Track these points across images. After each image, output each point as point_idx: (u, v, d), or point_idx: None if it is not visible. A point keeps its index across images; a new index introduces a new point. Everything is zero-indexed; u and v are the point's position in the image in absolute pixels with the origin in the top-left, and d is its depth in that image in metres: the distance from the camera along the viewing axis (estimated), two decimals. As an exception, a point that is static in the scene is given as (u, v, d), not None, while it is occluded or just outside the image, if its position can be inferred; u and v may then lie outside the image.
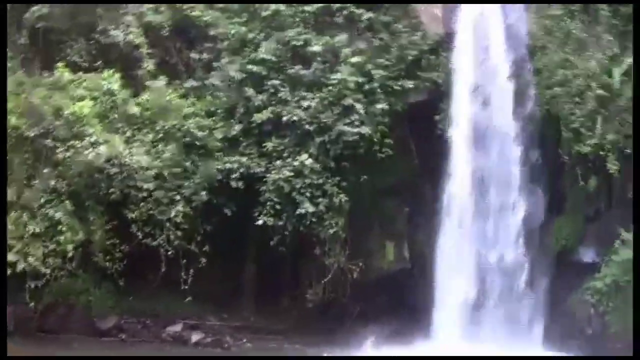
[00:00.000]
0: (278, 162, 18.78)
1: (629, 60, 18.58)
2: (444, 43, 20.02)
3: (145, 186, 18.39)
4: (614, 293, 17.80)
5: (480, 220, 19.44)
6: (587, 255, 19.34)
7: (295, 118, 18.79)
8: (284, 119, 18.89)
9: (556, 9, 19.66)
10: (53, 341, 17.75)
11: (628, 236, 17.87)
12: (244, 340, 19.09)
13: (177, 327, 19.29)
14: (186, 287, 18.77)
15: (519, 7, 20.12)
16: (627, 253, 17.74)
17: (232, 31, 19.74)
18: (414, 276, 20.04)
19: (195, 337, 18.97)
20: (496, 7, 20.04)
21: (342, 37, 19.36)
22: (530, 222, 19.48)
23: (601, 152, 18.50)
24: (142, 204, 18.42)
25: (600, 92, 18.65)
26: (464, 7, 20.07)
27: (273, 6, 19.55)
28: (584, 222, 19.50)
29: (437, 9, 20.11)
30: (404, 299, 19.78)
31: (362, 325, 19.16)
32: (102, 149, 17.97)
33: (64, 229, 17.59)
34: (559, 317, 18.84)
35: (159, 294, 19.31)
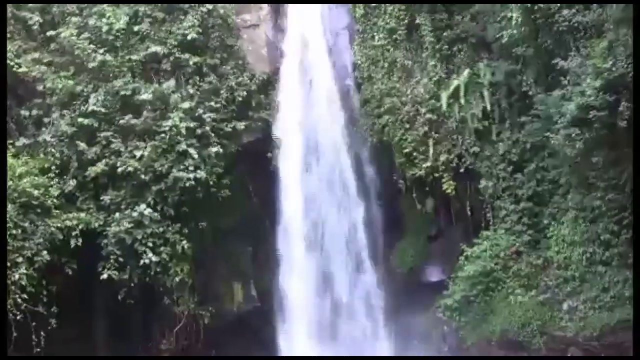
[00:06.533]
0: (117, 215, 18.49)
1: (455, 82, 18.98)
2: (272, 81, 20.35)
3: (-13, 251, 17.93)
4: (465, 308, 18.12)
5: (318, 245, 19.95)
6: (434, 274, 19.83)
7: (130, 169, 18.51)
8: (119, 170, 18.58)
9: (380, 40, 19.94)
10: None
11: (470, 251, 18.45)
12: (103, 398, 18.76)
13: (33, 393, 18.72)
14: (39, 349, 18.16)
15: (344, 42, 20.78)
16: (471, 268, 18.19)
17: (60, 85, 19.16)
18: (265, 312, 20.18)
19: (47, 400, 18.44)
20: (321, 44, 20.71)
21: (170, 83, 19.21)
22: (373, 242, 20.08)
23: (435, 174, 19.00)
24: (-15, 269, 17.94)
25: (429, 116, 19.08)
26: (289, 45, 20.62)
27: (99, 57, 19.10)
28: (427, 241, 20.05)
29: (262, 49, 20.39)
30: (258, 336, 19.92)
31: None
32: None
33: None
34: (414, 337, 19.14)
35: (13, 360, 18.78)
